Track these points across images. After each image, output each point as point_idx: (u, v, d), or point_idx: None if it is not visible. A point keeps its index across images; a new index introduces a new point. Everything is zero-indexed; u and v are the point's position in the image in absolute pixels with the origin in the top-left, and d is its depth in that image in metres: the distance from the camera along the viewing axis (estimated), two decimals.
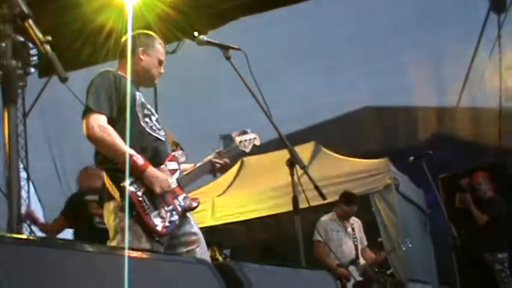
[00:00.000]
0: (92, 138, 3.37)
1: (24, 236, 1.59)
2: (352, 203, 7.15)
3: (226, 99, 10.31)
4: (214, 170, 3.87)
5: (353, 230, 7.20)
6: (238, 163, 9.51)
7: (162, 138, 3.64)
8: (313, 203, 3.98)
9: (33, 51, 8.94)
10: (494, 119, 10.08)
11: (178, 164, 3.67)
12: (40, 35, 1.98)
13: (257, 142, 4.10)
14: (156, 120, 3.67)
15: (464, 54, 10.04)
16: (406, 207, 9.01)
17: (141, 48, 3.70)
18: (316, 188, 3.63)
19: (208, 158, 3.83)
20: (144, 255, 1.97)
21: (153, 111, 3.70)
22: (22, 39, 2.06)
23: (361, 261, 7.15)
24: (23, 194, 10.69)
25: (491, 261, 7.63)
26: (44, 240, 1.67)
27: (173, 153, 3.70)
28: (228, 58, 3.53)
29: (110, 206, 3.38)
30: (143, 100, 3.63)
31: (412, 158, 6.73)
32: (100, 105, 3.41)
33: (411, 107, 11.16)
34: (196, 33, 3.61)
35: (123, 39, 3.78)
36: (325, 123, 10.88)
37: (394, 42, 10.60)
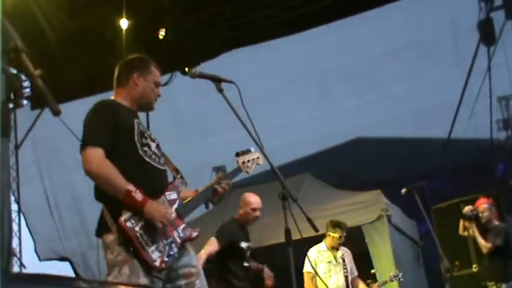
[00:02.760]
0: (89, 173, 3.33)
1: (14, 272, 1.57)
2: (338, 227, 7.11)
3: (219, 131, 10.32)
4: (215, 196, 3.81)
5: (343, 260, 7.16)
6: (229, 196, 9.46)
7: (161, 167, 3.58)
8: (305, 235, 3.97)
9: (26, 83, 8.97)
10: (486, 149, 10.13)
11: (178, 193, 3.62)
12: (32, 69, 1.99)
13: (260, 162, 4.05)
14: (157, 147, 3.61)
15: (456, 85, 10.13)
16: (398, 238, 8.99)
17: (135, 74, 3.64)
18: (309, 220, 3.62)
19: (209, 183, 3.78)
20: None
21: (153, 137, 3.64)
22: (15, 71, 2.07)
23: None
24: (14, 226, 10.61)
25: None
26: (34, 276, 1.66)
27: (174, 182, 3.64)
28: (220, 91, 3.53)
29: (107, 239, 3.32)
30: (141, 128, 3.56)
31: (404, 189, 6.73)
32: (97, 138, 3.37)
33: (402, 138, 11.20)
34: (186, 69, 3.62)
35: (117, 66, 3.74)
36: (317, 154, 10.90)
37: (385, 72, 10.68)
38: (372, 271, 8.52)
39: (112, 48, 9.47)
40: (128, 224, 3.24)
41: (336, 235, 7.06)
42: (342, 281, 7.09)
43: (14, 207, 10.75)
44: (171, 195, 3.57)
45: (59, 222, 11.75)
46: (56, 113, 1.99)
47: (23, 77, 2.22)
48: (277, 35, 10.04)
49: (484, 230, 7.90)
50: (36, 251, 11.68)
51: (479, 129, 10.20)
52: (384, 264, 8.24)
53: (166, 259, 3.33)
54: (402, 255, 8.85)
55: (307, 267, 7.10)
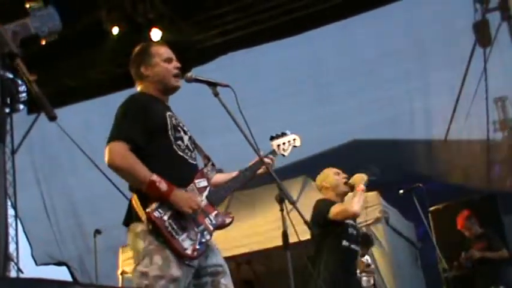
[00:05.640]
0: (112, 166, 3.29)
1: (11, 277, 1.57)
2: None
3: (216, 134, 10.31)
4: (257, 173, 3.76)
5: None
6: (227, 198, 9.46)
7: (193, 162, 3.55)
8: (303, 238, 3.96)
9: (22, 88, 8.96)
10: (483, 151, 10.15)
11: (208, 180, 3.57)
12: (28, 74, 1.99)
13: (297, 143, 3.99)
14: (189, 139, 3.58)
15: (451, 86, 10.15)
16: (396, 240, 8.98)
17: (142, 68, 3.60)
18: (306, 223, 3.62)
19: (251, 163, 3.75)
20: None
21: (186, 129, 3.59)
22: (11, 76, 2.06)
23: None
24: (11, 231, 10.59)
25: None
26: (32, 281, 1.65)
27: (203, 169, 3.61)
28: (216, 95, 3.53)
29: (137, 228, 3.28)
30: (174, 121, 3.52)
31: (401, 191, 6.73)
32: (122, 133, 3.33)
33: (400, 139, 11.21)
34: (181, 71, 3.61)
35: (131, 63, 3.70)
36: (315, 156, 10.89)
37: (382, 74, 10.69)
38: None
39: (108, 52, 9.49)
40: (156, 214, 3.20)
41: None
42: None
43: (11, 212, 10.74)
44: (201, 182, 3.51)
45: (56, 226, 11.73)
46: (52, 117, 1.98)
47: (19, 82, 2.21)
48: (274, 37, 10.05)
49: (474, 240, 8.02)
50: (32, 256, 11.67)
51: (475, 130, 10.22)
52: (382, 266, 8.24)
53: (198, 247, 3.28)
54: (400, 257, 8.85)
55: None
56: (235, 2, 9.66)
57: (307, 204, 7.80)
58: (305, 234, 3.86)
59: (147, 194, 3.24)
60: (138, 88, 3.65)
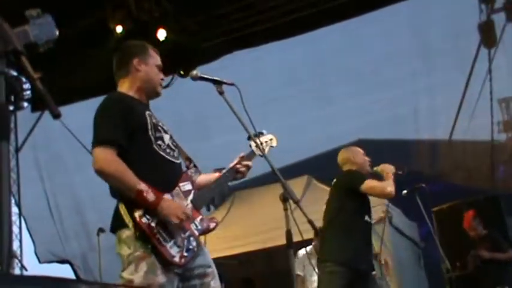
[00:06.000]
0: (100, 173, 3.25)
1: (15, 274, 1.57)
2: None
3: (220, 133, 10.31)
4: (238, 174, 3.74)
5: None
6: (231, 197, 9.48)
7: (176, 161, 3.49)
8: (306, 237, 3.97)
9: (26, 86, 8.95)
10: (487, 151, 10.13)
11: (192, 183, 3.53)
12: (32, 71, 1.99)
13: (274, 143, 3.99)
14: (170, 138, 3.51)
15: (456, 87, 10.13)
16: (399, 240, 8.98)
17: (135, 60, 3.54)
18: (310, 222, 3.61)
19: (231, 165, 3.72)
20: None
21: (166, 128, 3.52)
22: (15, 73, 2.06)
23: None
24: (15, 229, 10.60)
25: None
26: (36, 279, 1.65)
27: (187, 172, 3.57)
28: (221, 93, 3.52)
29: (123, 235, 3.24)
30: (154, 120, 3.46)
31: (405, 191, 6.73)
32: (106, 136, 3.27)
33: (404, 139, 11.19)
34: (182, 71, 3.60)
35: (115, 56, 3.65)
36: (318, 156, 10.89)
37: (387, 74, 10.67)
38: (373, 273, 8.50)
39: (112, 51, 9.48)
40: (144, 220, 3.16)
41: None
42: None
43: (15, 209, 10.75)
44: (185, 186, 3.47)
45: (60, 224, 11.75)
46: (56, 115, 1.98)
47: (24, 80, 2.21)
48: (278, 37, 10.03)
49: (479, 240, 8.02)
50: (36, 253, 11.68)
51: (480, 131, 10.20)
52: (385, 265, 8.23)
53: (185, 254, 3.26)
54: (403, 256, 8.85)
55: (296, 270, 7.18)
56: (239, 1, 9.65)
57: (310, 204, 7.84)
58: (308, 234, 3.86)
59: (134, 201, 3.19)
60: (118, 88, 3.58)
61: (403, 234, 9.27)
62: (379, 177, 5.51)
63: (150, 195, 3.18)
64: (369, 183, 5.32)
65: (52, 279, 1.76)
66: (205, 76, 3.58)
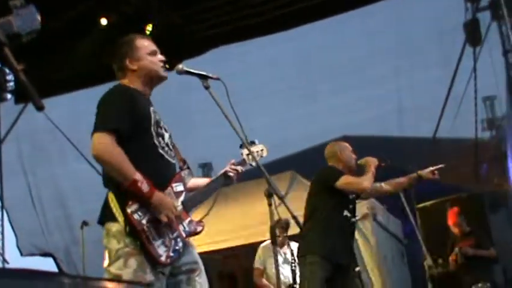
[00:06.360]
0: (98, 158, 3.21)
1: None
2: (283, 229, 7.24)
3: (206, 127, 10.30)
4: (230, 180, 3.77)
5: (292, 254, 7.25)
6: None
7: (172, 160, 3.50)
8: (290, 232, 3.98)
9: (10, 77, 8.89)
10: (471, 149, 10.19)
11: (185, 185, 3.53)
12: (15, 63, 1.96)
13: (264, 154, 4.00)
14: (170, 137, 3.52)
15: (441, 85, 10.17)
16: (383, 236, 9.02)
17: (126, 61, 3.51)
18: (294, 218, 3.63)
19: (222, 171, 3.75)
20: (120, 286, 1.93)
21: (166, 127, 3.54)
22: None
23: (297, 286, 7.23)
24: None
25: None
26: (18, 272, 1.63)
27: (180, 173, 3.57)
28: (206, 88, 3.51)
29: (112, 228, 3.23)
30: (157, 117, 3.46)
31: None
32: (109, 123, 3.24)
33: (388, 137, 11.23)
34: (167, 65, 3.57)
35: (111, 60, 3.62)
36: (303, 152, 10.89)
37: (372, 71, 10.70)
38: (356, 269, 8.53)
39: (96, 43, 9.42)
40: (136, 216, 3.15)
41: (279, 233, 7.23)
42: (289, 275, 7.17)
43: None
44: (178, 186, 3.47)
45: (42, 217, 11.67)
46: (40, 107, 1.96)
47: (7, 71, 2.19)
48: (265, 32, 10.03)
49: (462, 237, 8.09)
50: (18, 246, 11.61)
51: (464, 128, 10.25)
52: (368, 262, 8.26)
53: (171, 254, 3.26)
54: (387, 253, 8.89)
55: (256, 264, 7.44)
56: None
57: (295, 199, 7.84)
58: (293, 229, 3.86)
59: (127, 191, 3.17)
60: (122, 82, 3.55)
61: (387, 230, 9.31)
62: (363, 170, 5.54)
63: (145, 186, 3.18)
64: (345, 180, 5.37)
65: (34, 272, 1.75)
66: (191, 70, 3.57)
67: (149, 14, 9.40)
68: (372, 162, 5.53)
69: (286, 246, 7.30)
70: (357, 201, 5.87)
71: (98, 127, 3.26)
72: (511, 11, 8.92)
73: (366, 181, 5.37)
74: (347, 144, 5.80)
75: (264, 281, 7.44)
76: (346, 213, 5.47)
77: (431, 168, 5.62)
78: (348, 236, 5.57)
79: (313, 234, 5.37)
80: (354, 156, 5.70)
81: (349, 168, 5.62)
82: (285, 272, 7.21)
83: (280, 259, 7.35)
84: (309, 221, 5.47)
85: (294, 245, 7.41)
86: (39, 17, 2.20)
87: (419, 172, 5.69)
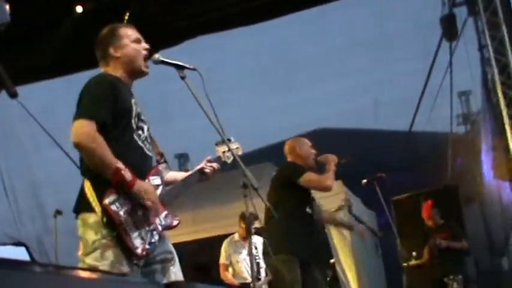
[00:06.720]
0: (78, 146, 3.15)
1: None
2: (242, 220, 7.30)
3: (182, 118, 10.26)
4: (205, 176, 3.73)
5: (256, 248, 7.37)
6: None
7: (149, 153, 3.46)
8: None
9: None
10: (446, 143, 10.28)
11: (162, 178, 3.51)
12: None
13: (239, 152, 4.00)
14: (148, 130, 3.49)
15: (417, 78, 10.24)
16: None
17: (110, 49, 3.46)
18: (268, 209, 3.62)
19: (198, 166, 3.72)
20: (93, 275, 1.91)
21: (146, 119, 3.50)
22: None
23: (262, 277, 7.30)
24: None
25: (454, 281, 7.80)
26: None
27: (157, 166, 3.55)
28: (183, 78, 3.48)
29: (89, 219, 3.17)
30: (139, 109, 3.43)
31: (365, 180, 6.77)
32: (92, 111, 3.19)
33: (364, 129, 11.29)
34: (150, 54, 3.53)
35: (97, 44, 3.55)
36: (279, 144, 10.90)
37: (349, 64, 10.75)
38: (331, 261, 8.60)
39: (73, 32, 9.31)
40: (113, 208, 3.12)
41: (244, 226, 7.35)
42: (254, 268, 7.23)
43: None
44: (155, 180, 3.45)
45: (15, 206, 11.55)
46: (13, 94, 1.93)
47: None
48: (243, 22, 9.98)
49: (436, 230, 8.17)
50: None
51: (439, 123, 10.35)
52: (343, 254, 8.31)
53: (147, 247, 3.23)
54: (361, 245, 8.93)
55: (221, 259, 7.63)
56: None
57: None
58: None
59: (110, 180, 3.13)
60: (105, 70, 3.51)
61: (362, 223, 9.34)
62: (323, 167, 5.53)
63: (128, 174, 3.16)
64: (307, 177, 5.35)
65: (6, 261, 1.72)
66: (167, 60, 3.53)
67: (126, 3, 9.30)
68: (332, 159, 5.52)
69: (251, 239, 7.34)
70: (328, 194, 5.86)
71: (80, 114, 3.21)
72: (487, 7, 8.98)
73: (329, 180, 5.37)
74: (306, 140, 5.77)
75: (229, 275, 7.59)
76: (308, 209, 5.42)
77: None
78: (312, 231, 5.53)
79: (278, 232, 5.32)
80: (313, 151, 5.66)
81: (308, 164, 5.57)
82: (250, 265, 7.26)
83: (244, 252, 7.46)
84: (272, 218, 5.39)
85: (257, 239, 7.47)
86: (8, 9, 2.15)
87: None
